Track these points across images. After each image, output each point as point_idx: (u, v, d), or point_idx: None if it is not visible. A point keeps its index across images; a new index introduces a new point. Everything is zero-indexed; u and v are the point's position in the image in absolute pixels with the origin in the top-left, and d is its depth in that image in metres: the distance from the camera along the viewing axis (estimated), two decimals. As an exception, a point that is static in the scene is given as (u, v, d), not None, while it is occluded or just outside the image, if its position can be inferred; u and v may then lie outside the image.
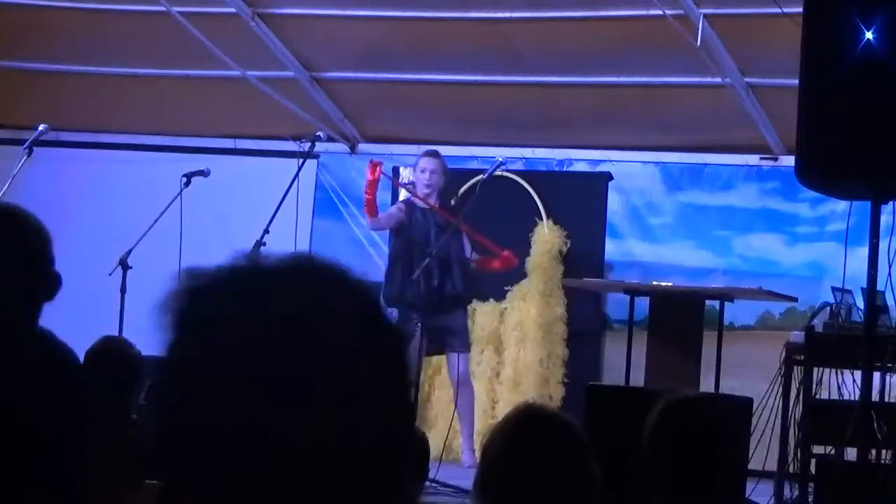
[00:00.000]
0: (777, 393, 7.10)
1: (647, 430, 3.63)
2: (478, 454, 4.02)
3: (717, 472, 3.66)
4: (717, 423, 3.72)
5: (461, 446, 8.92)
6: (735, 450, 3.89)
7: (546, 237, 9.83)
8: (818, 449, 6.91)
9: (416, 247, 8.76)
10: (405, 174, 10.26)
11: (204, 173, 8.76)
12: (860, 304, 6.89)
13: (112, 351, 5.30)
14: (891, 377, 6.83)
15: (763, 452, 6.80)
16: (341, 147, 10.73)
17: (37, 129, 8.27)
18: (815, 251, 9.66)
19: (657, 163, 10.14)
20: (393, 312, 8.88)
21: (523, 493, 2.99)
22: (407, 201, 9.11)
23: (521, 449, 3.03)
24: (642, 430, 3.65)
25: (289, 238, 9.06)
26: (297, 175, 8.64)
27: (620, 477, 3.40)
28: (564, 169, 10.26)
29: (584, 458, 3.05)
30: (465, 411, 8.86)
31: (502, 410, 9.46)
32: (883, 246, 5.69)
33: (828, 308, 7.19)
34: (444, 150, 10.48)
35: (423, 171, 8.91)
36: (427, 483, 6.43)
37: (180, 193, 8.61)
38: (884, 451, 6.22)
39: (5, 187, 7.90)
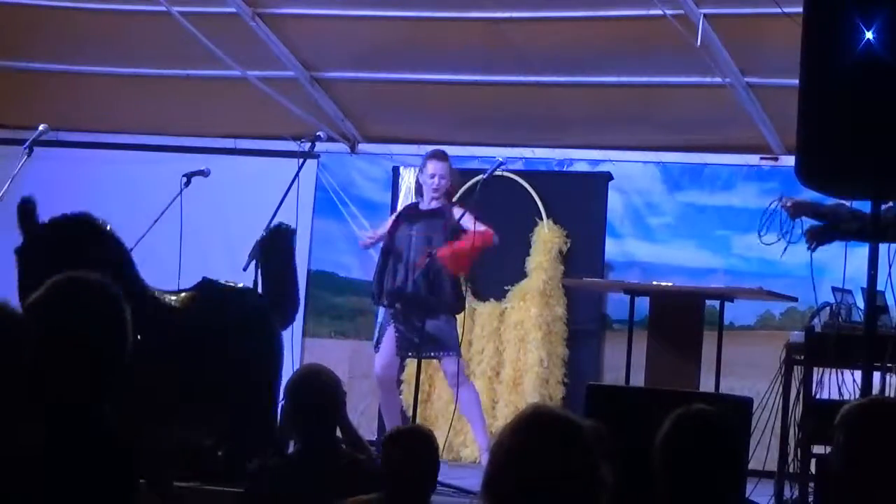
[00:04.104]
0: (777, 393, 7.10)
1: (660, 439, 3.70)
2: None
3: (725, 481, 3.72)
4: (730, 436, 3.78)
5: (479, 448, 8.84)
6: (737, 452, 3.93)
7: (546, 237, 9.83)
8: (818, 449, 6.90)
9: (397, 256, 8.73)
10: (406, 175, 10.25)
11: (204, 173, 8.74)
12: (860, 304, 6.88)
13: None
14: (891, 377, 6.82)
15: (763, 452, 6.79)
16: (341, 147, 10.73)
17: (37, 129, 8.27)
18: (816, 251, 9.62)
19: (657, 163, 10.14)
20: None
21: (532, 495, 2.99)
22: (399, 215, 8.95)
23: (530, 450, 3.02)
24: (653, 439, 3.71)
25: (289, 238, 9.04)
26: (297, 175, 8.63)
27: (620, 477, 3.41)
28: (564, 169, 10.26)
29: (594, 461, 3.05)
30: (468, 411, 8.73)
31: (502, 410, 9.46)
32: (883, 246, 5.69)
33: (828, 308, 7.18)
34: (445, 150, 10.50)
35: (431, 177, 8.72)
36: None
37: (180, 193, 8.59)
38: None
39: (5, 187, 7.90)
